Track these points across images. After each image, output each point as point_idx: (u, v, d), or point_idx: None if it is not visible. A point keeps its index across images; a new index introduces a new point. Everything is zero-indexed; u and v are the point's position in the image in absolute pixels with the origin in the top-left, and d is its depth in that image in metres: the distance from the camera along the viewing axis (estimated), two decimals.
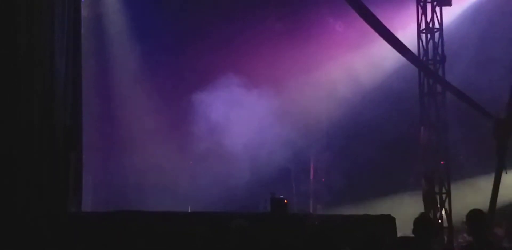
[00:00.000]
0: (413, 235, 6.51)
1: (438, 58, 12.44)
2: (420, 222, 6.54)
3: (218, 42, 13.91)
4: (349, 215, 9.95)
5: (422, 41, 12.53)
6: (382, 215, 9.20)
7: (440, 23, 12.52)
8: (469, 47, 13.11)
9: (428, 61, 12.44)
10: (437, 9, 12.53)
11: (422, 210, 11.36)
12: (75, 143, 9.75)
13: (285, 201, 10.29)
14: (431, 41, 12.48)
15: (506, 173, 11.09)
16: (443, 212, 11.70)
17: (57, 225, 8.15)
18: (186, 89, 13.54)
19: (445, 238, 11.47)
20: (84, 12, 11.82)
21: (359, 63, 13.77)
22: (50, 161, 8.95)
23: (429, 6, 12.54)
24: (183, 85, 13.70)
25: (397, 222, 9.09)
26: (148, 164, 13.19)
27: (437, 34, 12.49)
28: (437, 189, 11.87)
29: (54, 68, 9.35)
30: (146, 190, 13.14)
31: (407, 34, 12.72)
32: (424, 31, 12.53)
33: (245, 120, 13.17)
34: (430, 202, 11.67)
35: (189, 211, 12.06)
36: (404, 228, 7.90)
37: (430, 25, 12.49)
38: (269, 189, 11.49)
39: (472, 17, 13.54)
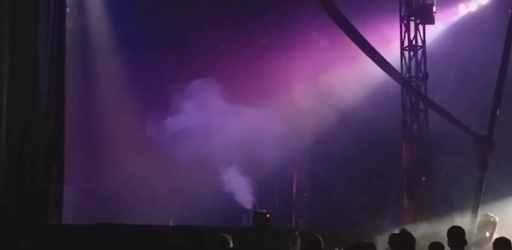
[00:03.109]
0: None
1: (420, 75, 12.58)
2: (400, 238, 6.60)
3: (202, 53, 13.94)
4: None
5: (405, 58, 12.67)
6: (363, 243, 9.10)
7: (423, 41, 12.69)
8: (451, 65, 13.27)
9: (411, 78, 12.57)
10: (420, 27, 12.70)
11: (404, 226, 11.39)
12: (57, 154, 9.69)
13: (268, 215, 10.29)
14: (414, 59, 12.64)
15: None
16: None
17: (38, 237, 8.06)
18: (170, 101, 13.54)
19: None
20: (69, 23, 11.81)
21: (342, 79, 13.86)
22: (32, 172, 8.89)
23: (412, 24, 12.71)
24: (167, 97, 13.69)
25: (379, 238, 9.08)
26: (130, 176, 13.10)
27: (420, 52, 12.65)
28: (418, 205, 11.92)
29: (38, 79, 9.33)
30: (128, 202, 13.04)
31: (390, 51, 12.85)
32: (407, 48, 12.68)
33: (229, 134, 13.18)
34: (412, 218, 11.71)
35: (171, 224, 11.98)
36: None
37: (413, 42, 12.65)
38: (252, 203, 11.50)
39: (454, 35, 13.73)
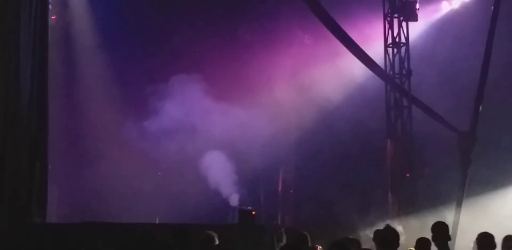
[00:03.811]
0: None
1: (404, 72, 12.66)
2: (384, 234, 6.63)
3: (186, 50, 13.88)
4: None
5: (388, 55, 12.74)
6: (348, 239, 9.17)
7: (406, 38, 12.77)
8: (435, 61, 13.36)
9: (395, 75, 12.65)
10: (404, 24, 12.77)
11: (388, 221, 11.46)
12: (40, 153, 9.61)
13: (253, 212, 10.28)
14: (397, 56, 12.71)
15: None
16: None
17: (21, 236, 8.00)
18: (154, 99, 13.47)
19: None
20: (52, 20, 11.69)
21: (326, 76, 13.89)
22: (15, 171, 8.81)
23: (395, 21, 12.78)
24: (150, 95, 13.62)
25: (365, 234, 9.14)
26: (115, 174, 13.03)
27: (403, 49, 12.72)
28: (402, 200, 12.01)
29: (20, 77, 9.22)
30: (113, 201, 12.97)
31: (374, 48, 12.91)
32: (390, 45, 12.75)
33: (214, 131, 13.15)
34: (396, 214, 11.80)
35: (157, 222, 11.94)
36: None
37: (397, 39, 12.72)
38: (238, 200, 11.49)
39: (438, 32, 13.83)
